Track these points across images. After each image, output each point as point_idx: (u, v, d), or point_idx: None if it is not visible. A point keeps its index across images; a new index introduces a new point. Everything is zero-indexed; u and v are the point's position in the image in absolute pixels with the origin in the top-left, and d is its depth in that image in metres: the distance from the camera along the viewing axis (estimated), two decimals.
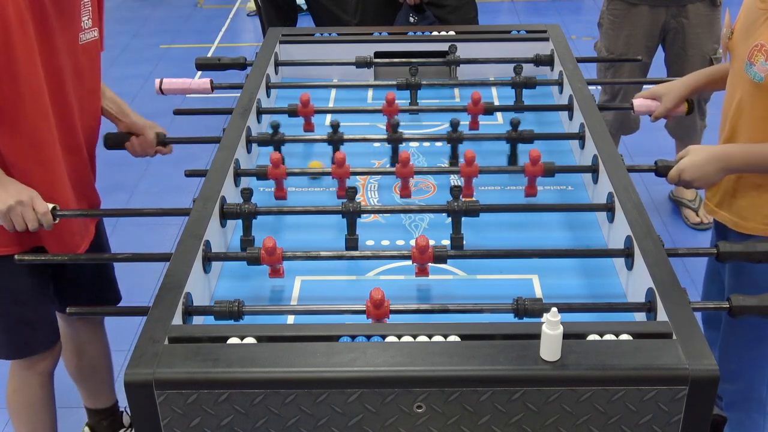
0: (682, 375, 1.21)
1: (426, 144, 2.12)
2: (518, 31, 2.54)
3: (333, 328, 1.33)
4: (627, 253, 1.57)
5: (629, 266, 1.56)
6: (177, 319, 1.37)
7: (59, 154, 1.87)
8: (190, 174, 1.99)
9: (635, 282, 1.53)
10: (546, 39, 2.48)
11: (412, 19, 3.42)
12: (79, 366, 2.34)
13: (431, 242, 1.56)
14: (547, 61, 2.40)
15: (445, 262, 1.60)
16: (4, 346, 2.02)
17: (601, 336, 1.29)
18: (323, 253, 1.61)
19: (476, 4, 3.56)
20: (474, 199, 1.81)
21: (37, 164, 1.83)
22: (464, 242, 1.68)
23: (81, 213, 1.96)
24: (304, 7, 3.93)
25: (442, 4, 3.46)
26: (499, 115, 2.25)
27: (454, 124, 1.99)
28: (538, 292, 1.60)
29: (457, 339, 1.29)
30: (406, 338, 1.29)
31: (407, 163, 1.83)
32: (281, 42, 2.52)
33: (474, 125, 2.14)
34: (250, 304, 1.48)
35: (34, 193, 1.76)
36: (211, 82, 2.32)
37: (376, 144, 2.05)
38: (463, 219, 1.69)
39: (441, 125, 2.19)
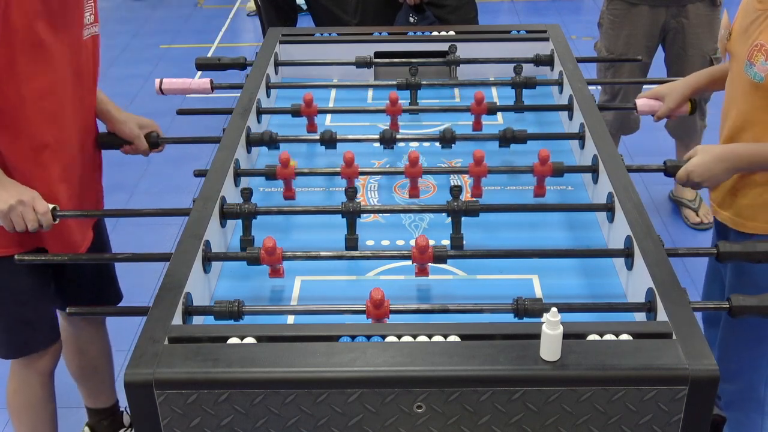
0: (682, 375, 1.21)
1: (426, 144, 2.12)
2: (518, 31, 2.54)
3: (333, 328, 1.33)
4: (627, 253, 1.57)
5: (629, 266, 1.56)
6: (177, 319, 1.37)
7: (60, 154, 1.87)
8: (199, 174, 1.99)
9: (635, 282, 1.53)
10: (546, 39, 2.48)
11: (412, 19, 3.42)
12: (80, 365, 2.34)
13: (431, 242, 1.56)
14: (547, 61, 2.40)
15: (445, 262, 1.60)
16: (3, 346, 2.02)
17: (601, 336, 1.29)
18: (323, 253, 1.61)
19: (476, 4, 3.56)
20: (474, 198, 1.81)
21: (38, 165, 1.83)
22: (464, 242, 1.69)
23: (81, 213, 1.96)
24: (304, 7, 3.93)
25: (442, 4, 3.46)
26: (499, 115, 2.25)
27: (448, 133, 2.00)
28: (538, 292, 1.60)
29: (457, 339, 1.29)
30: (406, 338, 1.29)
31: (416, 162, 1.83)
32: (281, 42, 2.52)
33: (477, 126, 2.14)
34: (250, 304, 1.48)
35: (34, 193, 1.76)
36: (211, 82, 2.32)
37: (376, 144, 2.06)
38: (463, 219, 1.70)
39: (441, 125, 2.19)
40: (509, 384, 1.23)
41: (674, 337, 1.29)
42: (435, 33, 2.54)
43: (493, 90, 2.41)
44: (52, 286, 2.04)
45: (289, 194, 1.88)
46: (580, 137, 2.01)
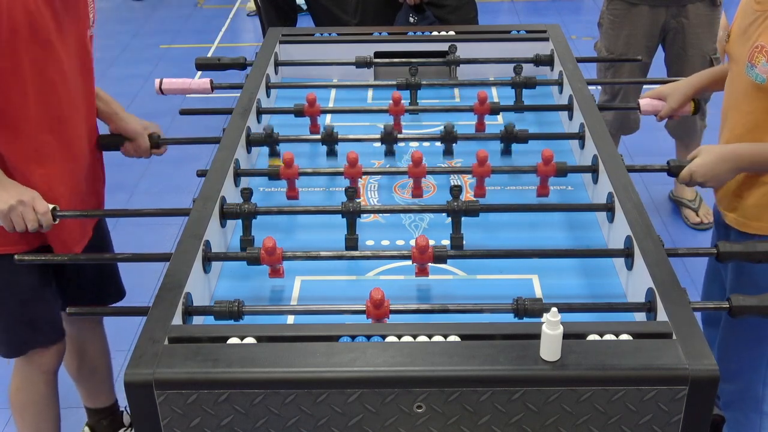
0: (682, 375, 1.21)
1: (426, 144, 2.12)
2: (518, 31, 2.54)
3: (333, 328, 1.33)
4: (627, 253, 1.57)
5: (629, 266, 1.56)
6: (177, 319, 1.37)
7: (62, 154, 1.87)
8: (201, 174, 1.99)
9: (635, 282, 1.53)
10: (546, 39, 2.48)
11: (412, 19, 3.42)
12: (79, 366, 2.34)
13: (431, 242, 1.56)
14: (547, 61, 2.40)
15: (445, 262, 1.60)
16: (5, 344, 2.02)
17: (601, 336, 1.29)
18: (323, 253, 1.61)
19: (476, 4, 3.55)
20: (475, 198, 1.81)
21: (39, 165, 1.83)
22: (464, 242, 1.68)
23: (81, 213, 1.96)
24: (304, 7, 3.93)
25: (442, 4, 3.46)
26: (500, 115, 2.25)
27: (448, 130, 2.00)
28: (538, 292, 1.60)
29: (457, 339, 1.29)
30: (406, 338, 1.29)
31: (419, 162, 1.83)
32: (281, 42, 2.52)
33: (480, 126, 2.14)
34: (250, 304, 1.48)
35: (35, 193, 1.76)
36: (211, 82, 2.32)
37: (376, 144, 2.05)
38: (463, 219, 1.70)
39: (441, 125, 2.18)
40: (509, 384, 1.23)
41: (674, 337, 1.29)
42: (435, 33, 2.54)
43: (493, 90, 2.41)
44: (53, 284, 2.04)
45: (292, 194, 1.87)
46: (580, 137, 2.01)
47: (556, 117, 2.27)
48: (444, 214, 1.75)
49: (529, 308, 1.43)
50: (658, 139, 3.67)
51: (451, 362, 1.24)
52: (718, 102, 2.15)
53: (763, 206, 1.92)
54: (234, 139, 1.93)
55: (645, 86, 2.74)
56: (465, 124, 2.14)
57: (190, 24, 6.14)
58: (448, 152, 2.05)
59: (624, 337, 1.29)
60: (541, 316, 1.37)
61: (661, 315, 1.37)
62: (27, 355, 2.03)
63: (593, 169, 1.86)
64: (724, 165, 1.82)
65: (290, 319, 1.52)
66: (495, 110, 2.13)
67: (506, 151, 2.05)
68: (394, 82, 2.28)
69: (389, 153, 2.04)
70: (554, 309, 1.21)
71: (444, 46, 2.48)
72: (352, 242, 1.69)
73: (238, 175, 1.88)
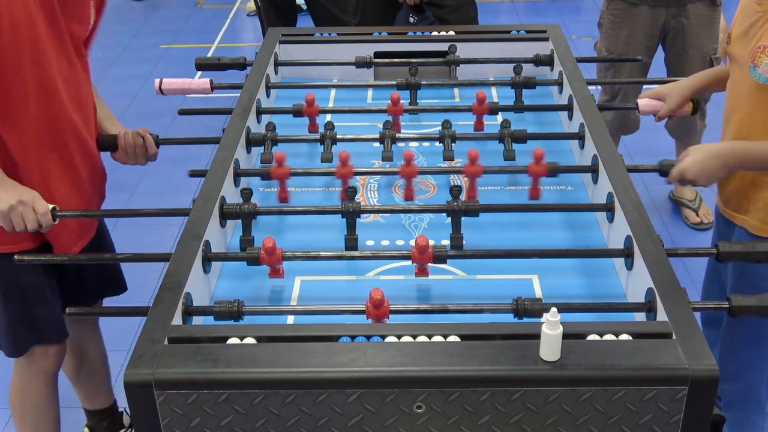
0: (682, 375, 1.21)
1: (426, 144, 2.12)
2: (518, 31, 2.54)
3: (333, 328, 1.33)
4: (627, 253, 1.57)
5: (629, 266, 1.56)
6: (177, 320, 1.37)
7: (63, 153, 1.88)
8: (193, 174, 1.99)
9: (635, 282, 1.53)
10: (546, 39, 2.48)
11: (412, 19, 3.42)
12: (78, 366, 2.34)
13: (431, 242, 1.56)
14: (547, 61, 2.40)
15: (445, 262, 1.60)
16: (10, 344, 2.01)
17: (601, 336, 1.29)
18: (323, 253, 1.61)
19: (476, 4, 3.55)
20: (474, 198, 1.81)
21: (41, 163, 1.84)
22: (464, 242, 1.68)
23: (81, 213, 1.96)
24: (304, 7, 3.93)
25: (442, 4, 3.46)
26: (499, 115, 2.25)
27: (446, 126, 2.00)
28: (538, 292, 1.59)
29: (457, 339, 1.29)
30: (406, 338, 1.29)
31: (410, 161, 1.82)
32: (281, 42, 2.52)
33: (479, 125, 2.14)
34: (250, 305, 1.48)
35: (35, 193, 1.76)
36: (211, 82, 2.32)
37: (376, 144, 2.06)
38: (462, 219, 1.70)
39: (440, 125, 2.18)
40: (509, 384, 1.23)
41: (674, 337, 1.29)
42: (435, 33, 2.54)
43: (493, 90, 2.41)
44: (54, 283, 2.04)
45: (283, 195, 1.86)
46: (580, 137, 2.01)
47: (556, 117, 2.27)
48: (444, 214, 1.75)
49: (529, 308, 1.43)
50: (658, 139, 3.67)
51: (451, 362, 1.24)
52: (718, 102, 2.15)
53: None
54: (234, 139, 1.93)
55: (645, 86, 2.74)
56: (464, 124, 2.14)
57: (190, 24, 6.14)
58: (447, 152, 2.05)
59: (624, 337, 1.29)
60: (541, 316, 1.37)
61: (661, 315, 1.37)
62: (28, 355, 2.03)
63: (593, 169, 1.86)
64: (715, 161, 1.80)
65: (290, 320, 1.52)
66: (494, 110, 2.12)
67: (508, 152, 2.04)
68: (394, 82, 2.28)
69: (387, 158, 2.02)
70: (554, 309, 1.21)
71: (444, 46, 2.48)
72: (352, 242, 1.69)
73: (238, 175, 1.88)
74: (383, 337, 1.30)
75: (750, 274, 1.94)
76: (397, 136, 2.04)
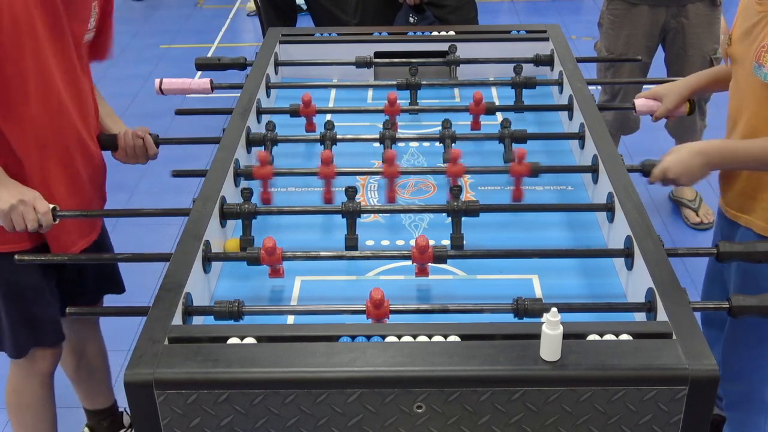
0: (682, 375, 1.21)
1: (426, 144, 2.12)
2: (518, 31, 2.54)
3: (333, 328, 1.33)
4: (627, 253, 1.57)
5: (629, 266, 1.56)
6: (177, 319, 1.37)
7: (63, 152, 1.88)
8: (176, 174, 1.99)
9: (635, 282, 1.53)
10: (546, 39, 2.48)
11: (412, 19, 3.42)
12: (78, 366, 2.33)
13: (431, 242, 1.56)
14: (547, 61, 2.40)
15: (445, 262, 1.60)
16: (12, 346, 2.01)
17: (601, 336, 1.29)
18: (323, 253, 1.61)
19: (476, 4, 3.56)
20: (474, 198, 1.81)
21: (42, 162, 1.84)
22: (464, 242, 1.68)
23: (81, 213, 1.96)
24: (304, 7, 3.93)
25: (442, 4, 3.46)
26: (498, 115, 2.25)
27: (446, 126, 2.00)
28: (538, 292, 1.60)
29: (457, 339, 1.29)
30: (406, 338, 1.29)
31: (393, 162, 1.81)
32: (281, 42, 2.52)
33: (476, 125, 2.14)
34: (250, 304, 1.48)
35: (35, 193, 1.76)
36: (211, 82, 2.32)
37: (376, 144, 2.06)
38: (463, 219, 1.70)
39: (440, 125, 2.19)
40: (509, 384, 1.23)
41: (674, 337, 1.29)
42: (435, 33, 2.55)
43: (493, 90, 2.41)
44: (54, 284, 2.04)
45: (266, 196, 1.84)
46: (580, 137, 2.01)
47: (556, 117, 2.27)
48: (444, 214, 1.75)
49: (529, 308, 1.43)
50: (658, 139, 3.67)
51: (451, 362, 1.24)
52: (718, 102, 2.15)
53: None
54: (234, 139, 1.93)
55: (645, 86, 2.74)
56: (464, 124, 2.14)
57: (190, 24, 6.14)
58: (447, 152, 2.05)
59: (624, 337, 1.29)
60: (541, 316, 1.37)
61: (661, 315, 1.37)
62: (27, 356, 2.03)
63: (593, 169, 1.86)
64: (697, 159, 1.78)
65: (290, 319, 1.52)
66: (491, 110, 2.12)
67: (508, 154, 2.03)
68: (394, 82, 2.28)
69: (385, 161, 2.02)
70: (554, 309, 1.21)
71: (444, 46, 2.48)
72: (352, 242, 1.69)
73: (238, 175, 1.88)
74: (383, 337, 1.30)
75: (753, 275, 1.93)
76: (397, 136, 2.04)
